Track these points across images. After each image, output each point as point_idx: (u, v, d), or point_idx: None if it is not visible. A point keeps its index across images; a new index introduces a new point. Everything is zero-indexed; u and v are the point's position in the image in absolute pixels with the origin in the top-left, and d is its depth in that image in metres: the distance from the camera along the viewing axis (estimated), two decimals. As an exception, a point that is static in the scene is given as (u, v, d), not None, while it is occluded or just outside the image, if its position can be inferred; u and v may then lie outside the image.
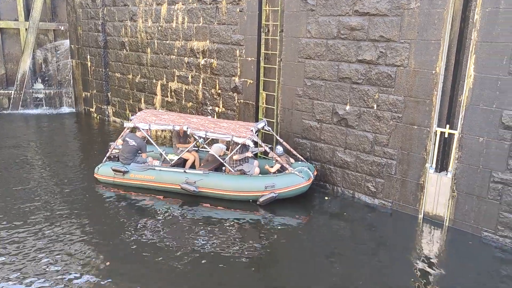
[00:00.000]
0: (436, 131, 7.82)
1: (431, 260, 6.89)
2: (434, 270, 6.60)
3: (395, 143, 8.37)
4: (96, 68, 16.06)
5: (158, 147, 10.12)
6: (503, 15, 6.79)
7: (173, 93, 13.18)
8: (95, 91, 16.50)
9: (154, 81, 13.79)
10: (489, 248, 7.14)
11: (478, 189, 7.39)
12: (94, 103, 16.75)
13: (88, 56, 16.30)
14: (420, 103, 7.94)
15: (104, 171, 9.81)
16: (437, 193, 7.89)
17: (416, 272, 6.51)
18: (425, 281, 6.28)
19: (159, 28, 13.14)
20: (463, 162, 7.52)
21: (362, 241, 7.45)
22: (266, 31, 10.38)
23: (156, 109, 13.72)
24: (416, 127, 8.05)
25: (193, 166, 9.99)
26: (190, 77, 12.48)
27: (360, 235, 7.71)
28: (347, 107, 8.97)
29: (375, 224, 8.16)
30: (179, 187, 9.00)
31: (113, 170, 9.59)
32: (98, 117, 16.68)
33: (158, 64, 13.49)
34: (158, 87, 13.69)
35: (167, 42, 12.98)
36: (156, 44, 13.40)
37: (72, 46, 17.27)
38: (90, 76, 16.55)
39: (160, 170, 9.41)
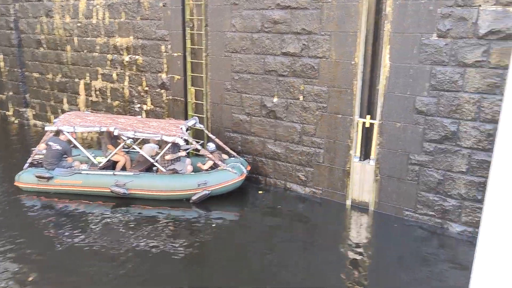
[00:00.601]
0: (358, 121, 8.20)
1: (360, 247, 7.24)
2: (362, 256, 6.95)
3: (322, 133, 8.67)
4: (11, 68, 14.91)
5: (85, 150, 9.66)
6: (411, 7, 7.24)
7: (97, 92, 12.61)
8: (11, 93, 15.33)
9: (76, 80, 13.09)
10: (411, 228, 7.65)
11: (398, 171, 7.89)
12: (11, 106, 15.56)
13: (1, 56, 15.08)
14: (342, 93, 8.27)
15: (26, 178, 9.22)
16: (362, 181, 8.31)
17: (346, 261, 6.81)
18: (354, 269, 6.61)
19: (78, 24, 12.46)
20: (384, 147, 7.97)
21: (295, 234, 7.64)
22: (191, 25, 10.23)
23: (80, 109, 13.06)
24: (340, 116, 8.39)
25: (124, 169, 9.66)
26: (115, 74, 12.00)
27: (293, 227, 7.90)
28: (275, 100, 9.13)
29: (307, 214, 8.44)
30: (109, 190, 8.69)
31: (36, 176, 9.04)
32: (16, 121, 15.53)
33: (80, 62, 12.81)
34: (81, 86, 13.02)
35: (88, 39, 12.36)
36: (76, 41, 12.71)
37: (-18, 45, 15.87)
38: (4, 77, 15.33)
39: (87, 173, 9.01)
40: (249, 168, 9.30)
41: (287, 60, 8.79)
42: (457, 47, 6.94)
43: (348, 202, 8.55)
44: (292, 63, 8.73)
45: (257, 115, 9.47)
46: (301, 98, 8.79)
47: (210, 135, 9.76)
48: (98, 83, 12.51)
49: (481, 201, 7.10)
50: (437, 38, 7.10)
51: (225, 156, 9.43)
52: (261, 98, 9.32)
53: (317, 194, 8.96)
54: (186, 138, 8.92)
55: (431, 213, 7.67)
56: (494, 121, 6.79)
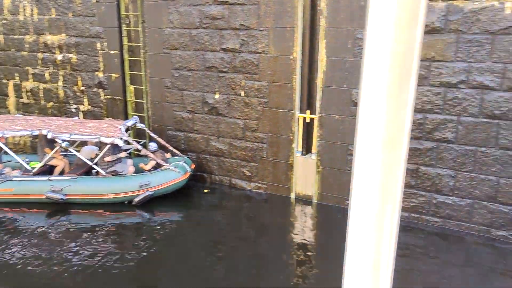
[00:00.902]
0: (299, 117, 8.33)
1: (305, 240, 7.40)
2: (306, 249, 7.11)
3: (264, 128, 8.73)
4: None
5: (16, 155, 9.07)
6: (344, 2, 7.44)
7: (29, 93, 11.88)
8: None
9: (4, 81, 12.24)
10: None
11: (338, 162, 8.12)
12: None
13: None
14: (282, 87, 8.37)
15: (-50, 190, 8.51)
16: (305, 174, 8.48)
17: (292, 256, 6.93)
18: (299, 264, 6.73)
19: (4, 21, 11.65)
20: (324, 140, 8.18)
21: (242, 231, 7.65)
22: (127, 22, 9.89)
23: (10, 112, 12.24)
24: (281, 110, 8.49)
25: (63, 173, 9.19)
26: (47, 74, 11.36)
27: (240, 225, 7.91)
28: (216, 96, 9.07)
29: (253, 210, 8.48)
30: (44, 197, 8.23)
31: (-38, 187, 8.39)
32: None
33: (8, 62, 11.99)
34: (10, 88, 12.20)
35: (16, 37, 11.58)
36: (2, 39, 11.87)
37: None
38: None
39: (19, 180, 8.49)
40: (193, 166, 9.17)
41: (227, 56, 8.75)
42: (387, 41, 7.21)
43: (293, 196, 8.69)
44: (232, 59, 8.71)
45: (199, 112, 9.36)
46: (242, 93, 8.79)
47: (152, 134, 9.52)
48: (29, 84, 11.78)
49: (415, 186, 7.48)
50: (369, 32, 7.34)
51: (168, 155, 9.24)
52: (202, 95, 9.22)
53: (262, 189, 9.03)
54: (126, 138, 8.63)
55: (370, 201, 7.96)
56: (424, 110, 7.16)
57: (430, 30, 6.86)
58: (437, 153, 7.23)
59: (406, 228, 7.44)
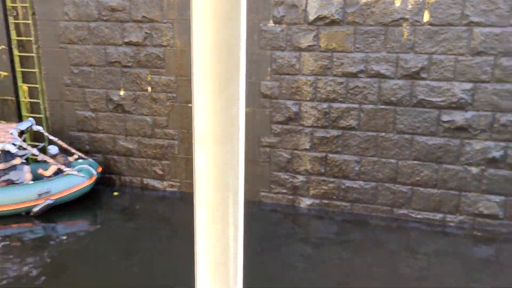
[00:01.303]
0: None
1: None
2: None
3: (174, 123, 8.45)
4: None
5: None
6: (247, -6, 7.40)
7: None
8: None
9: None
10: (268, 211, 7.95)
11: (251, 155, 8.13)
12: None
13: None
14: (190, 81, 8.13)
15: None
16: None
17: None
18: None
19: None
20: (236, 133, 8.12)
21: (156, 233, 7.31)
22: (15, 14, 8.94)
23: None
24: (190, 105, 8.26)
25: None
26: None
27: (153, 226, 7.56)
28: (121, 92, 8.58)
29: (167, 210, 8.19)
30: None
31: None
32: None
33: None
34: None
35: None
36: None
37: None
38: None
39: None
40: (100, 169, 8.59)
41: (130, 50, 8.30)
42: (291, 32, 7.34)
43: (207, 191, 8.53)
44: (136, 53, 8.28)
45: (103, 110, 8.79)
46: (149, 89, 8.41)
47: (51, 137, 8.72)
48: None
49: (324, 174, 7.75)
50: (273, 24, 7.42)
51: (72, 159, 8.55)
52: (106, 91, 8.66)
53: (176, 187, 8.76)
54: (19, 143, 7.81)
55: (284, 191, 8.12)
56: (329, 100, 7.41)
57: (330, 22, 7.09)
58: (343, 140, 7.54)
59: (317, 215, 7.69)
